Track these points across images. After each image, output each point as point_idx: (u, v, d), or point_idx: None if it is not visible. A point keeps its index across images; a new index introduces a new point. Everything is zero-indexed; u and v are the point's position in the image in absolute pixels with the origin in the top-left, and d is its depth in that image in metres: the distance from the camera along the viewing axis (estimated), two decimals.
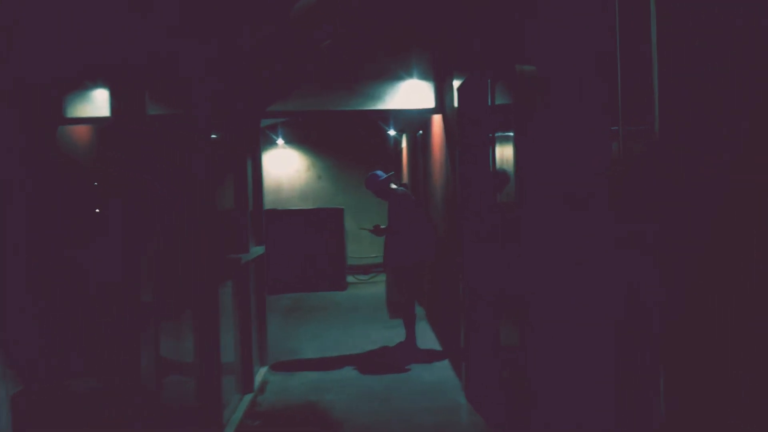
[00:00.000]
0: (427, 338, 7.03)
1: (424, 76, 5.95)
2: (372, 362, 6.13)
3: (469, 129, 4.69)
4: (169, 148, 3.98)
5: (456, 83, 5.00)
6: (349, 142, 12.86)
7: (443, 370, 5.79)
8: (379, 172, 6.60)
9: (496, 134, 4.09)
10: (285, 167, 13.26)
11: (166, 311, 3.71)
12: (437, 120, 6.55)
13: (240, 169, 5.16)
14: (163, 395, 3.78)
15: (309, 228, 11.00)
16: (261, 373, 5.64)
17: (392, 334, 7.17)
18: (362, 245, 12.84)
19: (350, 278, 11.90)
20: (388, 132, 11.74)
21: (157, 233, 3.56)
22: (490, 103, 4.09)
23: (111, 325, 2.98)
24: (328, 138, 13.11)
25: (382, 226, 6.56)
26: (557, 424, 3.10)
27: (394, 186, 6.53)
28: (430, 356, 6.30)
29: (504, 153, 3.92)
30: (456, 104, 5.01)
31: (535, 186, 3.27)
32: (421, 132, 8.60)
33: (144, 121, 3.27)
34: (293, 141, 13.19)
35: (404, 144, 11.07)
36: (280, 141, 13.05)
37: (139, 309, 3.02)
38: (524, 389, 3.46)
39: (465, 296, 4.84)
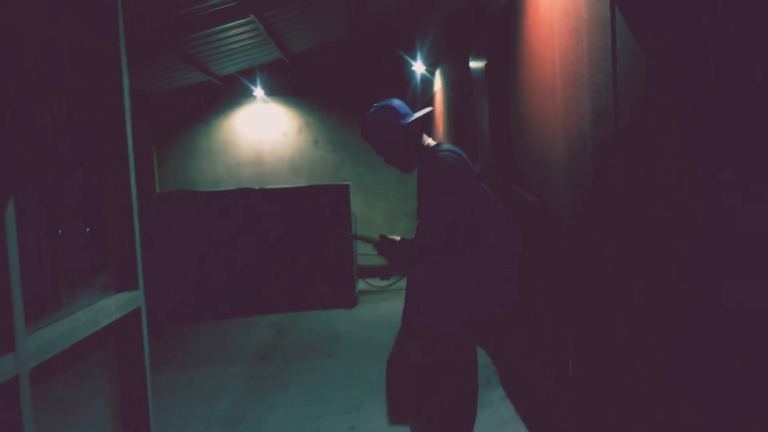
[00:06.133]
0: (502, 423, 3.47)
1: None
2: None
3: None
4: None
5: None
6: (356, 91, 9.13)
7: None
8: (395, 103, 2.71)
9: None
10: (268, 129, 9.61)
11: None
12: None
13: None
14: None
15: (301, 214, 7.42)
16: None
17: None
18: (377, 233, 9.18)
19: (361, 283, 8.34)
20: (413, 68, 7.99)
21: None
22: None
23: None
24: (326, 85, 9.41)
25: (397, 238, 2.70)
26: None
27: (430, 142, 2.74)
28: None
29: None
30: None
31: None
32: (478, 56, 4.92)
33: None
34: (278, 92, 9.51)
35: (439, 85, 7.35)
36: (258, 92, 9.37)
37: None
38: None
39: None
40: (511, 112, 3.97)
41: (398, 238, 2.67)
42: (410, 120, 2.65)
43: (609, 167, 2.31)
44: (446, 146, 2.64)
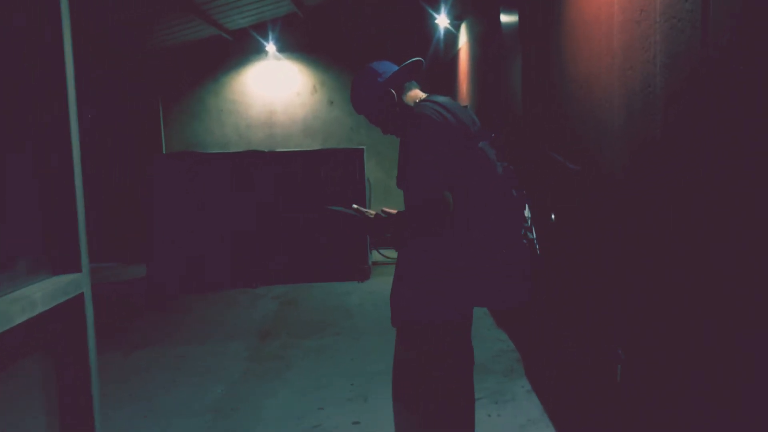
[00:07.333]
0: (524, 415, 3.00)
1: None
2: None
3: None
4: None
5: None
6: (373, 46, 8.52)
7: None
8: (374, 64, 2.23)
9: None
10: (280, 88, 9.07)
11: None
12: None
13: None
14: None
15: (313, 179, 6.94)
16: None
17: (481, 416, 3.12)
18: (393, 203, 8.69)
19: (375, 254, 7.89)
20: (436, 21, 7.35)
21: None
22: None
23: None
24: (342, 41, 8.81)
25: (393, 211, 2.18)
26: None
27: (416, 94, 2.20)
28: None
29: None
30: None
31: None
32: (509, 8, 4.33)
33: None
34: (291, 48, 8.94)
35: (464, 41, 6.74)
36: (270, 48, 8.82)
37: None
38: None
39: None
40: (551, 68, 3.40)
41: (395, 211, 2.17)
42: (388, 76, 2.17)
43: (689, 122, 1.76)
44: (434, 98, 2.09)
